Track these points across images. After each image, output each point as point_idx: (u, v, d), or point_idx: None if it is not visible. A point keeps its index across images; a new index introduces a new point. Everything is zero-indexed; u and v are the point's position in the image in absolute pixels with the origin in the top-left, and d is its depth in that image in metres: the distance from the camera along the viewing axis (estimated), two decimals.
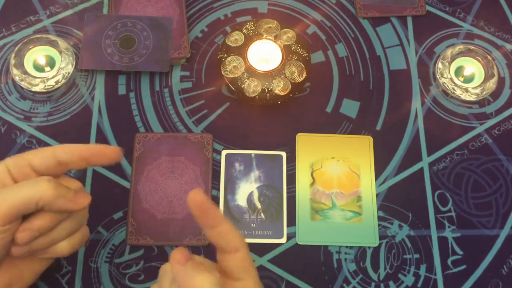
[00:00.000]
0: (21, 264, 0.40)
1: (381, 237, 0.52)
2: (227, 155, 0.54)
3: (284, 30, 0.56)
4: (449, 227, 0.53)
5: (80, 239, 0.41)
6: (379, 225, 0.53)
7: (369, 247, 0.52)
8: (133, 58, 0.56)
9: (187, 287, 0.33)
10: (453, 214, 0.54)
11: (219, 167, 0.54)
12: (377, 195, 0.54)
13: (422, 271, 0.51)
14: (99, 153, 0.39)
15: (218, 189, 0.53)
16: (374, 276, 0.51)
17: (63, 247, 0.40)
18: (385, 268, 0.51)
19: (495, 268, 0.52)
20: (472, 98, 0.57)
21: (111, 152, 0.39)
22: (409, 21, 0.62)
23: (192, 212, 0.35)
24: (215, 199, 0.53)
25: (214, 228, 0.35)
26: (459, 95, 0.57)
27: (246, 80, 0.53)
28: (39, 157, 0.39)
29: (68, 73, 0.56)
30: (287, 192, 0.53)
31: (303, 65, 0.54)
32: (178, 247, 0.35)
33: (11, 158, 0.39)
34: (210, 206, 0.34)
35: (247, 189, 0.53)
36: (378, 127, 0.57)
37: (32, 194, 0.36)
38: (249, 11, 0.61)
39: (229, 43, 0.55)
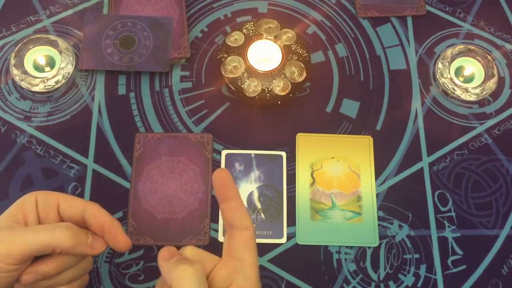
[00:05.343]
0: None
1: (381, 237, 0.52)
2: (227, 155, 0.54)
3: (284, 30, 0.56)
4: (449, 227, 0.53)
5: (78, 286, 0.43)
6: (379, 225, 0.53)
7: (369, 247, 0.52)
8: (133, 58, 0.56)
9: (169, 280, 0.34)
10: (453, 214, 0.54)
11: (219, 167, 0.54)
12: (377, 195, 0.54)
13: (422, 271, 0.51)
14: (114, 234, 0.40)
15: None
16: (374, 276, 0.51)
17: None
18: (385, 268, 0.51)
19: (495, 268, 0.52)
20: (472, 98, 0.57)
21: (121, 241, 0.41)
22: (409, 21, 0.62)
23: (214, 185, 0.37)
24: (215, 199, 0.53)
25: (230, 201, 0.37)
26: (459, 95, 0.57)
27: (246, 80, 0.53)
28: (69, 204, 0.40)
29: (68, 73, 0.56)
30: (287, 192, 0.53)
31: (303, 65, 0.54)
32: (165, 246, 0.37)
33: (43, 192, 0.40)
34: (230, 181, 0.37)
35: (247, 189, 0.53)
36: (378, 127, 0.57)
37: (49, 242, 0.37)
38: (249, 11, 0.61)
39: (229, 43, 0.55)
